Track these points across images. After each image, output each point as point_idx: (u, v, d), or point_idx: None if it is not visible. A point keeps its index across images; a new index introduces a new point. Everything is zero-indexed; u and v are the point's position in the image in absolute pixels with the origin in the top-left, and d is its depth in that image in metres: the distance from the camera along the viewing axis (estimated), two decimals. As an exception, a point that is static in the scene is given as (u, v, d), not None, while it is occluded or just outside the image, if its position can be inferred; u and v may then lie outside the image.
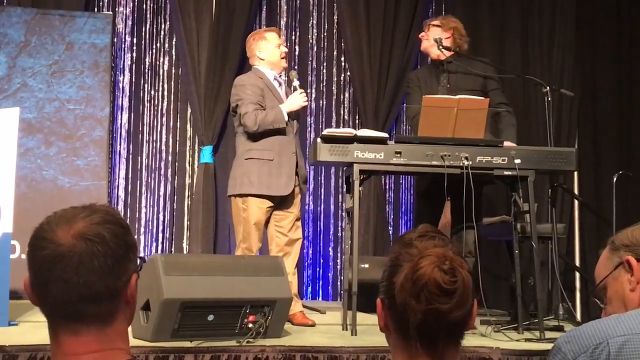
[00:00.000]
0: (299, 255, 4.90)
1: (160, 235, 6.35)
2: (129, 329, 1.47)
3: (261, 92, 4.74)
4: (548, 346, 3.92)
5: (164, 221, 6.37)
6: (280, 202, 4.74)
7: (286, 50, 4.97)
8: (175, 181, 6.42)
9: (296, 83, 4.83)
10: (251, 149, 4.71)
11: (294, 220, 4.79)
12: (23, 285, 1.40)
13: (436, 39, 4.93)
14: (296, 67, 6.49)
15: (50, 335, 1.38)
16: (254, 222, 4.65)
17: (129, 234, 1.43)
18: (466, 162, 4.28)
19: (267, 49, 4.86)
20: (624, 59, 6.82)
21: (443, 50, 4.93)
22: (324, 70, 6.70)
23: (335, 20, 6.71)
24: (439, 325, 1.40)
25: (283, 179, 4.68)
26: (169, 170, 6.42)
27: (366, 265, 5.27)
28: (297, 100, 4.76)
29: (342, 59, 6.72)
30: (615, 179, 5.25)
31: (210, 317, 3.75)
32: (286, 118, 4.68)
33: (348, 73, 6.68)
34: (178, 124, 6.47)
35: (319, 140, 4.28)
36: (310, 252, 6.51)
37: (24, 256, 5.23)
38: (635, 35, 6.82)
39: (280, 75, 4.96)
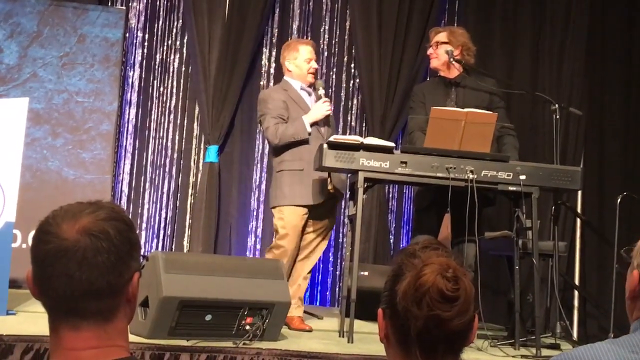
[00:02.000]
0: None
1: (162, 232, 6.36)
2: (126, 325, 1.47)
3: (284, 105, 4.75)
4: (544, 364, 3.93)
5: (166, 218, 6.38)
6: (314, 210, 4.74)
7: (316, 66, 4.96)
8: (180, 179, 6.43)
9: (321, 92, 4.82)
10: (282, 161, 4.74)
11: (325, 229, 4.83)
12: (26, 278, 1.41)
13: (447, 51, 4.92)
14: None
15: (50, 329, 1.39)
16: (291, 226, 4.66)
17: (134, 231, 1.44)
18: (471, 176, 4.28)
19: (296, 62, 4.88)
20: (633, 80, 6.81)
21: (454, 63, 4.92)
22: (334, 76, 6.71)
23: (347, 27, 6.71)
24: (440, 333, 1.41)
25: (314, 187, 4.69)
26: (174, 168, 6.42)
27: (366, 273, 5.27)
28: (320, 109, 4.76)
29: (352, 65, 6.72)
30: (619, 200, 5.24)
31: (208, 317, 3.76)
32: (309, 129, 4.68)
33: (357, 80, 6.68)
34: (185, 122, 6.48)
35: (325, 146, 4.28)
36: (311, 256, 6.50)
37: (24, 245, 5.25)
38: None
39: (309, 86, 4.94)
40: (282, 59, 4.98)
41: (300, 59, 4.87)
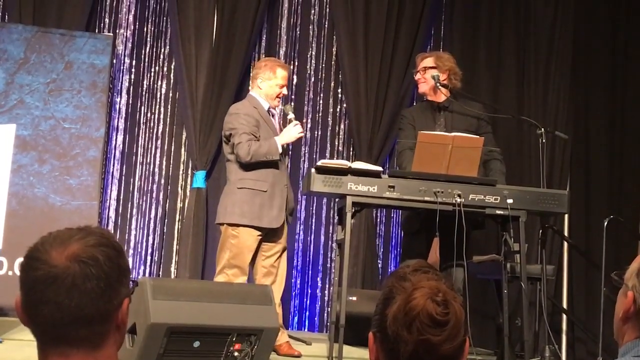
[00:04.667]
0: (284, 286, 4.89)
1: (149, 258, 6.32)
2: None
3: (256, 123, 4.75)
4: (533, 388, 3.92)
5: (153, 244, 6.34)
6: (269, 233, 4.73)
7: (285, 93, 4.98)
8: (167, 205, 6.40)
9: (291, 116, 4.84)
10: (244, 179, 4.70)
11: (280, 252, 4.79)
12: (14, 305, 1.40)
13: (434, 76, 4.96)
14: (293, 96, 6.51)
15: (39, 356, 1.37)
16: (246, 247, 4.63)
17: (123, 257, 1.43)
18: (459, 200, 4.29)
19: (269, 83, 4.87)
20: (617, 103, 6.87)
21: (441, 88, 4.96)
22: (321, 101, 6.72)
23: (334, 53, 6.74)
24: (430, 357, 1.40)
25: (274, 211, 4.69)
26: (161, 194, 6.40)
27: (354, 298, 5.25)
28: (292, 132, 4.76)
29: (339, 90, 6.74)
30: (606, 223, 5.26)
31: (196, 344, 3.73)
32: (280, 150, 4.69)
33: (344, 105, 6.70)
34: (172, 147, 6.46)
35: (313, 170, 4.29)
36: (298, 282, 6.49)
37: (10, 273, 5.20)
38: (628, 80, 6.88)
39: (274, 108, 4.97)
40: (255, 73, 4.97)
41: (274, 82, 4.87)
